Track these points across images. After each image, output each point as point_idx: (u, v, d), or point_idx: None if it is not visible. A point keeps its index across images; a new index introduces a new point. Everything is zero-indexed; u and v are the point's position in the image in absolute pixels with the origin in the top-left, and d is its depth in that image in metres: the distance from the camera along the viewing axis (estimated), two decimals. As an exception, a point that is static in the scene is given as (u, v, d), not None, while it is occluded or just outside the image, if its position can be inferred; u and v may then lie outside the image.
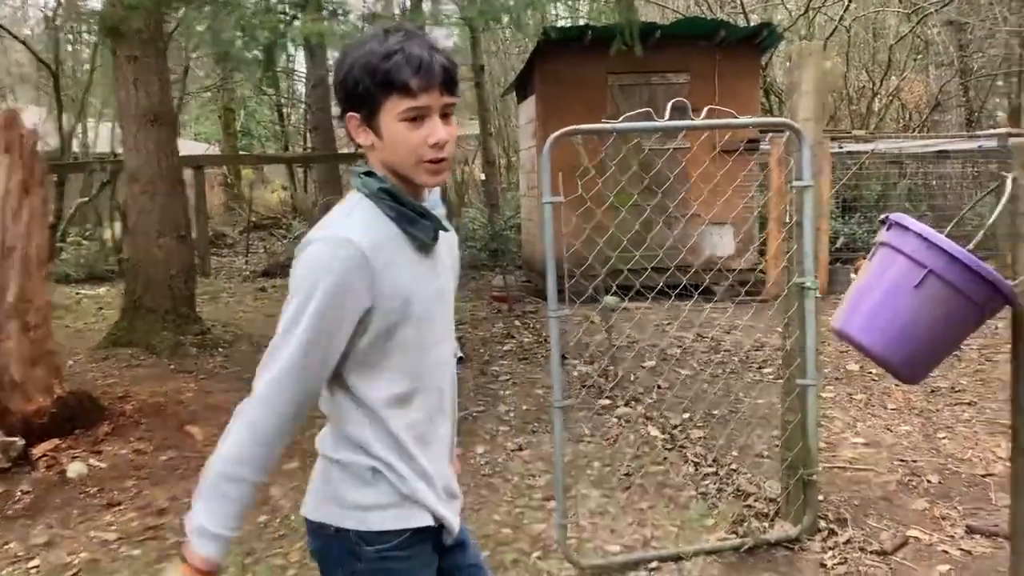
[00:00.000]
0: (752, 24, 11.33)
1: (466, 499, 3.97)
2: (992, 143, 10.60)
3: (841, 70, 15.98)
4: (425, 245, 1.49)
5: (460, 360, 6.56)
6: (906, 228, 2.22)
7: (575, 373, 6.15)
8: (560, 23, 14.66)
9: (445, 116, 1.42)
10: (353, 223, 1.41)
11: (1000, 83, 18.61)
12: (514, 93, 12.04)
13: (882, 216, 2.35)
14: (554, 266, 3.12)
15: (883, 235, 2.31)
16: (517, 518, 3.75)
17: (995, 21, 14.21)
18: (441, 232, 1.51)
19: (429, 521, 1.52)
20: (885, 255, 2.29)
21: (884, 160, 11.98)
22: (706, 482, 4.05)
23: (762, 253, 9.46)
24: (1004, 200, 2.21)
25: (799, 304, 3.38)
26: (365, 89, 1.38)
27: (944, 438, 4.61)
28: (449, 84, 1.40)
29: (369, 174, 1.46)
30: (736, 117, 3.24)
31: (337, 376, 1.47)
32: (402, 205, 1.44)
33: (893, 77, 16.16)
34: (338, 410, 1.50)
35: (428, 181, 1.45)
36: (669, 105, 3.22)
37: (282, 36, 5.73)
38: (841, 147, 10.65)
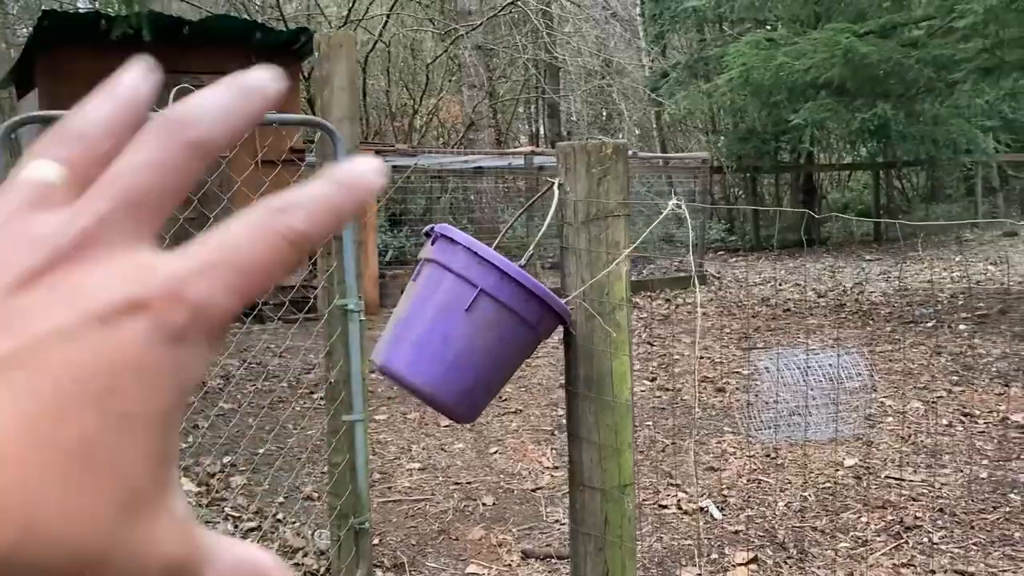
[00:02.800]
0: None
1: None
2: (520, 161, 11.46)
3: (383, 86, 16.35)
4: None
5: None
6: (453, 241, 1.88)
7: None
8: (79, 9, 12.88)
9: None
10: None
11: (522, 110, 20.58)
12: (13, 89, 10.22)
13: (426, 228, 2.00)
14: None
15: (428, 250, 1.95)
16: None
17: (516, 49, 15.53)
18: None
19: None
20: (431, 274, 1.93)
21: (428, 175, 12.36)
22: (248, 540, 3.46)
23: (315, 267, 9.09)
24: (553, 208, 1.98)
25: (343, 329, 2.96)
26: None
27: (495, 452, 4.55)
28: None
29: None
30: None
31: None
32: None
33: (432, 97, 16.94)
34: None
35: None
36: (173, 92, 2.59)
37: None
38: (386, 161, 10.73)
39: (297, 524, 3.57)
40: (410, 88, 16.80)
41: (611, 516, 2.06)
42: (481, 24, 13.90)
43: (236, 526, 3.60)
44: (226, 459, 4.37)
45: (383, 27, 13.69)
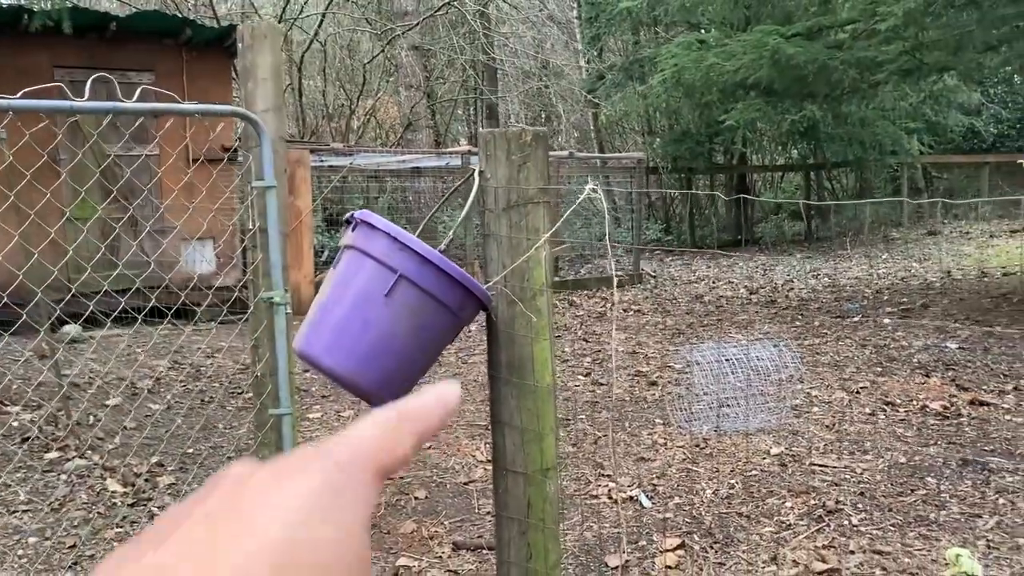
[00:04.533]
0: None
1: None
2: (457, 161, 11.46)
3: (319, 86, 16.20)
4: None
5: None
6: (374, 227, 1.88)
7: (15, 424, 4.99)
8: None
9: None
10: None
11: (460, 111, 20.57)
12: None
13: (347, 215, 1.99)
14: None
15: (348, 236, 1.95)
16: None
17: (454, 50, 15.52)
18: None
19: None
20: (351, 260, 1.93)
21: (365, 176, 12.28)
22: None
23: (246, 266, 8.96)
24: (472, 195, 1.99)
25: (268, 322, 2.93)
26: None
27: (429, 447, 4.54)
28: None
29: None
30: (180, 102, 2.68)
31: None
32: None
33: (369, 97, 16.84)
34: None
35: None
36: (88, 82, 2.55)
37: None
38: (323, 160, 10.63)
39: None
40: (347, 88, 16.67)
41: (534, 500, 2.08)
42: (418, 24, 13.87)
43: (162, 525, 3.53)
44: (154, 459, 4.29)
45: (319, 26, 13.57)
